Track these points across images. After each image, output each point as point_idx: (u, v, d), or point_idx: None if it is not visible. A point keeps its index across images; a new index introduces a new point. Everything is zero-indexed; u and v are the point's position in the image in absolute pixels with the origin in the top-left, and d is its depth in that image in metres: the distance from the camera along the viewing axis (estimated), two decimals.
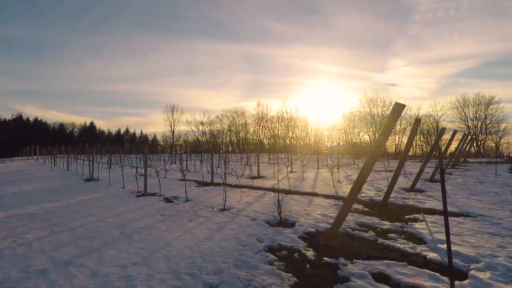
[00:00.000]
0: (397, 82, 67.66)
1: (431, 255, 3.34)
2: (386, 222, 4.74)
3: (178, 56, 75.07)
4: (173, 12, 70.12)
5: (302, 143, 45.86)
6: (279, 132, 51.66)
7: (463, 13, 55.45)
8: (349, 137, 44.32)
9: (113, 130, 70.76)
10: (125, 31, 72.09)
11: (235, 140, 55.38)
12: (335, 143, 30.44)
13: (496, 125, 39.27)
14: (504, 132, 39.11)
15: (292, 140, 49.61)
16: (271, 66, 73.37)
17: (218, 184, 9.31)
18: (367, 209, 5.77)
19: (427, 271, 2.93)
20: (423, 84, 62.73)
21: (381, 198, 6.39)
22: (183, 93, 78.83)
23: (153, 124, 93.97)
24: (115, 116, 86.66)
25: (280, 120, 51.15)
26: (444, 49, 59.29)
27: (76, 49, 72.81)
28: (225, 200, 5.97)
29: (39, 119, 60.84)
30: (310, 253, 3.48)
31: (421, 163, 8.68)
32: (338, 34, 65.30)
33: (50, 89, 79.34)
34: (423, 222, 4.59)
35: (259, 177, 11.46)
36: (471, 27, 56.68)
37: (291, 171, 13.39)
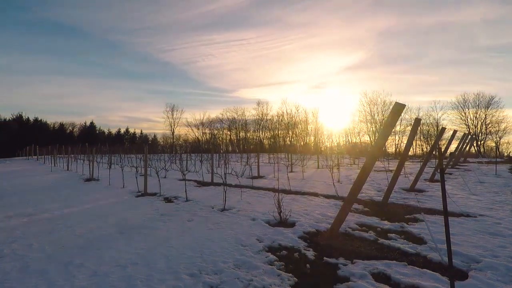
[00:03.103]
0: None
1: (431, 255, 3.34)
2: (386, 222, 4.74)
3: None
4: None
5: (302, 143, 45.91)
6: (279, 132, 51.69)
7: None
8: (349, 137, 44.38)
9: (113, 130, 70.96)
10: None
11: (235, 140, 55.42)
12: (335, 143, 30.42)
13: (496, 125, 39.36)
14: (504, 132, 39.19)
15: (292, 140, 49.63)
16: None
17: (218, 184, 9.31)
18: (367, 209, 5.77)
19: (427, 271, 2.93)
20: None
21: (381, 198, 6.38)
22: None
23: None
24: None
25: (280, 120, 51.23)
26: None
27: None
28: (225, 200, 5.97)
29: (39, 119, 60.88)
30: (310, 253, 3.48)
31: (421, 163, 8.68)
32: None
33: None
34: (423, 222, 4.59)
35: (259, 177, 11.46)
36: None
37: (291, 171, 13.38)
